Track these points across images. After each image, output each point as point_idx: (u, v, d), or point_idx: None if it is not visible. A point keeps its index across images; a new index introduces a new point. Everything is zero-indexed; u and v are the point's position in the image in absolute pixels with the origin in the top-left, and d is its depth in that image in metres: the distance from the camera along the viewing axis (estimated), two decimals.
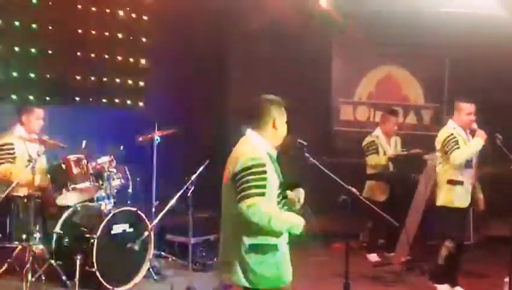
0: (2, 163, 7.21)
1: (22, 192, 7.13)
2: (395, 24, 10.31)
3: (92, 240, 6.82)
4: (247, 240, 4.13)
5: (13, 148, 7.25)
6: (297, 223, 4.16)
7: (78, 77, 9.46)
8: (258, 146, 4.20)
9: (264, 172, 4.06)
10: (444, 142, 7.13)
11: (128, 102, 10.15)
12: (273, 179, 4.14)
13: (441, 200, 7.21)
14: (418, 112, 11.29)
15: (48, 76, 9.06)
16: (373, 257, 8.91)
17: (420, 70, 11.17)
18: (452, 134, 7.11)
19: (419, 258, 8.53)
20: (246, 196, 4.01)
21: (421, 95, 11.28)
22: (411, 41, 10.61)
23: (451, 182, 7.13)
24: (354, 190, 4.33)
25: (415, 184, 8.80)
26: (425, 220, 8.93)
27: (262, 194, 4.03)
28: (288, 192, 4.42)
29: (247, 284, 4.15)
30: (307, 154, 4.34)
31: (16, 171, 7.08)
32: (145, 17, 10.23)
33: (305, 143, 4.36)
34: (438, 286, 7.24)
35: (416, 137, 11.07)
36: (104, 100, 9.82)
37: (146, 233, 7.11)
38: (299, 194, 4.45)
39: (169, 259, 8.10)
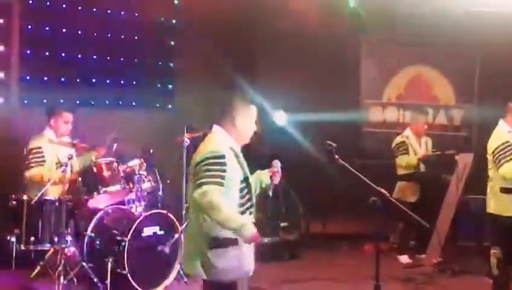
0: (32, 167, 7.27)
1: (53, 195, 7.19)
2: (425, 24, 10.24)
3: (123, 243, 6.86)
4: (208, 234, 4.18)
5: (42, 152, 7.31)
6: (244, 226, 4.06)
7: (108, 80, 9.55)
8: (220, 141, 4.30)
9: (222, 164, 4.14)
10: (496, 151, 6.41)
11: (158, 105, 10.21)
12: (234, 172, 4.20)
13: (492, 208, 6.66)
14: (448, 112, 11.19)
15: (78, 80, 9.15)
16: (404, 259, 8.85)
17: (450, 70, 11.07)
18: (508, 141, 6.39)
19: (450, 260, 8.48)
20: (200, 184, 4.09)
21: (451, 95, 11.17)
22: (441, 41, 10.53)
23: (505, 190, 6.47)
24: (383, 191, 4.31)
25: (446, 185, 8.74)
26: (456, 221, 8.88)
27: (218, 184, 4.08)
28: (259, 171, 4.56)
29: (206, 277, 4.20)
30: (336, 156, 4.32)
31: (47, 174, 7.15)
32: (173, 20, 10.29)
33: (334, 145, 4.35)
34: None
35: (446, 137, 10.99)
36: (133, 103, 9.88)
37: (176, 235, 7.14)
38: (277, 164, 4.53)
39: None
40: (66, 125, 7.47)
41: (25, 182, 7.28)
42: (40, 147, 7.31)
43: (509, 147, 6.33)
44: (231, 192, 4.18)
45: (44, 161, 7.28)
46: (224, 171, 4.12)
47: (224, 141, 4.30)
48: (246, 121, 4.35)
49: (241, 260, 4.21)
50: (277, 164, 4.52)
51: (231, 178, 4.17)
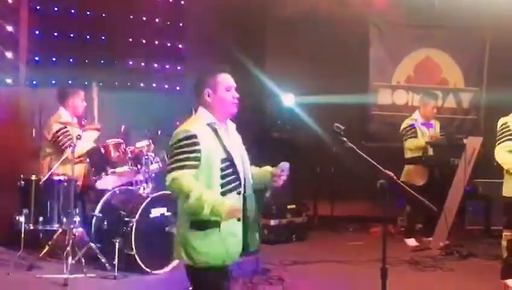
0: (69, 146, 7.30)
1: (62, 176, 7.23)
2: (434, 6, 10.18)
3: (131, 224, 6.89)
4: (188, 217, 4.01)
5: (69, 131, 7.39)
6: (219, 206, 3.85)
7: (116, 62, 9.54)
8: (196, 119, 4.13)
9: (194, 144, 3.95)
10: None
11: (166, 86, 10.20)
12: (210, 151, 4.00)
13: (505, 190, 6.78)
14: (457, 96, 11.14)
15: (86, 61, 9.15)
16: (411, 242, 8.86)
17: (459, 53, 11.00)
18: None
19: (458, 243, 8.49)
20: (170, 170, 3.96)
21: (460, 79, 11.11)
22: (450, 24, 10.48)
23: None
24: (391, 174, 4.29)
25: (454, 168, 8.72)
26: (464, 204, 8.87)
27: (189, 167, 3.92)
28: (269, 167, 4.29)
29: (188, 261, 4.04)
30: (344, 139, 4.29)
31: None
32: (182, 2, 10.25)
33: (342, 127, 4.31)
34: (507, 281, 6.97)
35: (455, 121, 10.96)
36: (142, 84, 9.88)
37: None
38: (284, 166, 4.20)
39: None
40: (82, 103, 7.61)
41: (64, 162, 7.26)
42: (66, 127, 7.38)
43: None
44: (209, 172, 3.99)
45: (73, 139, 7.29)
46: (196, 151, 3.95)
47: (201, 119, 4.11)
48: (217, 92, 4.13)
49: (223, 244, 3.99)
50: (285, 166, 4.20)
51: (207, 157, 3.98)
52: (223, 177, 4.02)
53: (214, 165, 4.00)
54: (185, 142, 3.96)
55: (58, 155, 7.36)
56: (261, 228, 4.39)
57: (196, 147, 3.96)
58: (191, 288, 4.16)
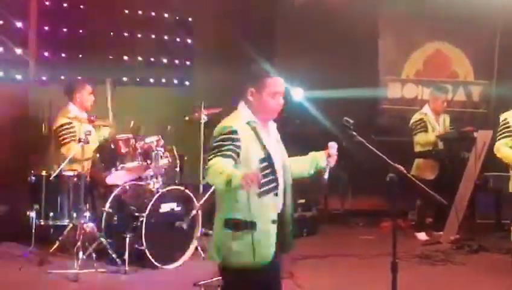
0: (68, 142, 7.32)
1: (72, 171, 7.25)
2: None
3: (141, 219, 6.91)
4: (222, 215, 4.02)
5: (74, 127, 7.40)
6: (233, 174, 3.69)
7: (125, 57, 9.55)
8: (236, 116, 4.07)
9: (234, 139, 3.88)
10: None
11: (175, 81, 10.20)
12: (248, 149, 3.92)
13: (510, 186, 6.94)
14: (467, 89, 11.09)
15: (96, 56, 9.16)
16: (421, 236, 8.84)
17: (469, 46, 10.94)
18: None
19: (468, 237, 8.46)
20: (209, 160, 3.88)
21: (470, 72, 11.06)
22: (460, 16, 10.41)
23: None
24: (401, 168, 4.28)
25: (464, 162, 8.69)
26: (475, 198, 8.84)
27: (225, 156, 3.83)
28: (312, 153, 4.29)
29: (221, 261, 3.99)
30: (353, 133, 4.28)
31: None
32: None
33: (351, 121, 4.30)
34: None
35: (465, 114, 10.91)
36: (151, 80, 9.88)
37: (194, 212, 7.17)
38: (333, 145, 4.23)
39: None
40: (90, 96, 7.60)
41: (61, 158, 7.26)
42: (71, 122, 7.37)
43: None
44: (246, 170, 3.85)
45: (76, 136, 7.30)
46: (236, 146, 3.87)
47: (242, 116, 4.04)
48: (261, 95, 4.05)
49: (257, 244, 3.91)
50: (333, 146, 4.22)
51: (245, 156, 3.91)
52: (261, 177, 3.88)
53: (252, 164, 3.92)
54: (226, 136, 3.90)
55: (57, 149, 7.38)
56: (294, 227, 4.27)
57: (236, 143, 3.89)
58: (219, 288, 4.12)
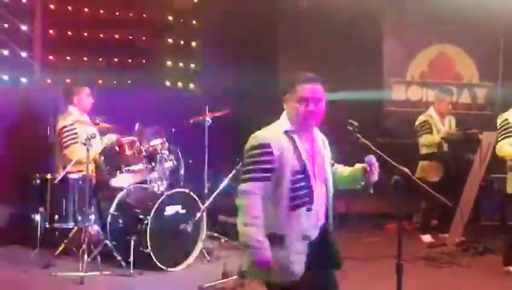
0: (71, 144, 7.32)
1: (77, 174, 7.26)
2: (448, 1, 10.12)
3: (146, 221, 6.91)
4: None
5: (76, 129, 7.40)
6: (252, 248, 3.71)
7: (129, 60, 9.57)
8: (275, 125, 3.97)
9: (265, 153, 3.80)
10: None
11: (180, 84, 10.22)
12: (282, 162, 3.81)
13: (509, 188, 7.04)
14: (472, 91, 11.08)
15: (100, 59, 9.18)
16: (427, 238, 8.82)
17: (474, 48, 10.94)
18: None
19: (473, 239, 8.44)
20: (241, 180, 3.84)
21: (475, 74, 11.05)
22: (465, 18, 10.40)
23: None
24: (406, 170, 4.27)
25: (469, 164, 8.67)
26: (480, 200, 8.82)
27: (256, 179, 3.78)
28: (358, 165, 4.12)
29: (248, 275, 3.95)
30: (358, 135, 4.26)
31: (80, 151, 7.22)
32: (195, 0, 10.26)
33: (355, 123, 4.28)
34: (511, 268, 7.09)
35: (470, 116, 10.89)
36: (155, 83, 9.90)
37: (198, 214, 7.17)
38: (370, 161, 4.01)
39: (222, 240, 8.16)
40: (88, 98, 7.60)
41: (65, 161, 7.32)
42: (72, 124, 7.38)
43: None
44: (278, 184, 3.80)
45: (78, 139, 7.32)
46: (267, 162, 3.79)
47: (280, 126, 3.93)
48: (292, 101, 3.92)
49: (284, 260, 3.79)
50: (371, 160, 4.02)
51: (278, 168, 3.80)
52: (293, 190, 3.83)
53: (285, 176, 3.81)
54: (256, 151, 3.82)
55: (59, 152, 7.38)
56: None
57: (268, 157, 3.80)
58: None
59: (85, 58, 9.00)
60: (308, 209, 3.86)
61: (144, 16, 9.70)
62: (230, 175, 6.96)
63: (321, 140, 4.11)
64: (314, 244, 3.91)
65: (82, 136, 7.23)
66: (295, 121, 3.93)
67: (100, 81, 8.88)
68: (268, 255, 3.74)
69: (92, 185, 7.19)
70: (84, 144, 6.93)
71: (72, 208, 7.24)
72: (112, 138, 7.66)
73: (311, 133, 4.02)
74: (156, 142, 7.46)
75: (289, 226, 3.82)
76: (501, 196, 8.24)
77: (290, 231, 3.82)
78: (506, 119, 6.87)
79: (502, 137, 6.89)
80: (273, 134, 3.89)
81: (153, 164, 7.38)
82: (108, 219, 7.27)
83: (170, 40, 10.05)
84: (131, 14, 9.55)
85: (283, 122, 3.97)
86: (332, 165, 4.21)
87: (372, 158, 4.03)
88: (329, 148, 4.17)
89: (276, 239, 3.79)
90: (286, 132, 3.91)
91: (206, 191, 7.81)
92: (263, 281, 3.95)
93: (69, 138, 7.39)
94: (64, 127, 7.42)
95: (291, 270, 3.81)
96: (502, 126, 6.89)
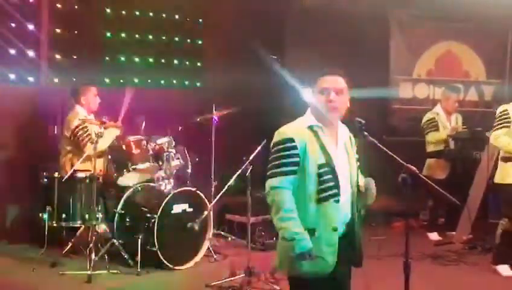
0: (88, 142, 7.31)
1: (84, 173, 7.27)
2: None
3: (153, 220, 6.92)
4: None
5: (88, 127, 7.38)
6: (295, 240, 3.73)
7: (136, 59, 9.57)
8: (299, 120, 3.99)
9: (290, 148, 3.82)
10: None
11: (186, 82, 10.22)
12: (307, 156, 3.83)
13: (496, 177, 7.15)
14: (479, 89, 11.05)
15: (107, 58, 9.19)
16: (434, 236, 8.81)
17: (481, 45, 10.90)
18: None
19: (481, 237, 8.42)
20: (267, 176, 3.85)
21: (482, 71, 11.01)
22: (472, 15, 10.37)
23: (504, 159, 7.00)
24: (413, 168, 4.26)
25: (477, 162, 8.66)
26: (487, 198, 8.80)
27: (284, 173, 3.81)
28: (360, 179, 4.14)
29: (280, 270, 3.95)
30: (365, 133, 4.26)
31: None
32: None
33: (363, 121, 4.28)
34: (497, 267, 7.11)
35: (477, 114, 10.86)
36: (162, 81, 9.90)
37: (205, 213, 7.17)
38: (368, 185, 4.10)
39: (229, 238, 8.17)
40: (95, 98, 7.60)
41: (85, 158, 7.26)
42: (84, 122, 7.36)
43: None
44: (304, 177, 3.83)
45: (92, 136, 7.30)
46: (293, 156, 3.82)
47: (304, 121, 3.96)
48: (314, 94, 3.98)
49: (318, 252, 3.80)
50: (369, 183, 4.13)
51: (303, 161, 3.83)
52: (320, 183, 3.85)
53: (311, 170, 3.84)
54: (281, 146, 3.85)
55: (79, 151, 7.33)
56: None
57: (293, 151, 3.83)
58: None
59: (91, 58, 8.99)
60: (336, 201, 3.89)
61: (151, 14, 9.70)
62: (237, 174, 6.95)
63: (348, 136, 4.14)
64: (342, 238, 3.94)
65: (93, 135, 7.25)
66: (318, 113, 3.97)
67: (107, 80, 8.89)
68: (310, 245, 3.76)
69: (99, 183, 7.20)
70: (89, 142, 6.95)
71: (79, 207, 7.25)
72: (115, 132, 7.61)
73: (335, 128, 4.05)
74: (163, 140, 7.47)
75: (319, 218, 3.85)
76: (487, 185, 8.29)
77: (320, 223, 3.85)
78: (506, 110, 6.91)
79: (500, 126, 6.92)
80: (297, 129, 3.93)
81: (160, 162, 7.40)
82: (116, 218, 7.29)
83: (177, 39, 10.04)
84: (137, 13, 9.55)
85: (307, 117, 4.01)
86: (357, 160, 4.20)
87: (370, 181, 4.12)
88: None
89: (308, 232, 3.81)
90: (310, 127, 3.94)
91: (213, 189, 7.81)
92: (293, 276, 3.94)
93: (84, 135, 7.36)
94: (78, 126, 7.39)
95: (325, 261, 3.84)
96: (500, 116, 6.93)
